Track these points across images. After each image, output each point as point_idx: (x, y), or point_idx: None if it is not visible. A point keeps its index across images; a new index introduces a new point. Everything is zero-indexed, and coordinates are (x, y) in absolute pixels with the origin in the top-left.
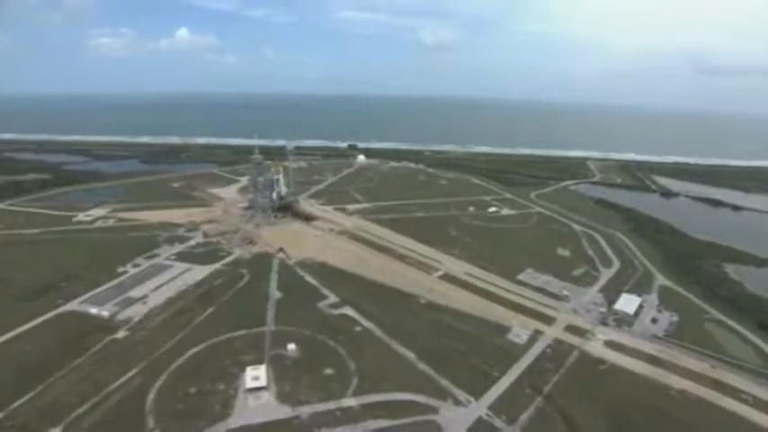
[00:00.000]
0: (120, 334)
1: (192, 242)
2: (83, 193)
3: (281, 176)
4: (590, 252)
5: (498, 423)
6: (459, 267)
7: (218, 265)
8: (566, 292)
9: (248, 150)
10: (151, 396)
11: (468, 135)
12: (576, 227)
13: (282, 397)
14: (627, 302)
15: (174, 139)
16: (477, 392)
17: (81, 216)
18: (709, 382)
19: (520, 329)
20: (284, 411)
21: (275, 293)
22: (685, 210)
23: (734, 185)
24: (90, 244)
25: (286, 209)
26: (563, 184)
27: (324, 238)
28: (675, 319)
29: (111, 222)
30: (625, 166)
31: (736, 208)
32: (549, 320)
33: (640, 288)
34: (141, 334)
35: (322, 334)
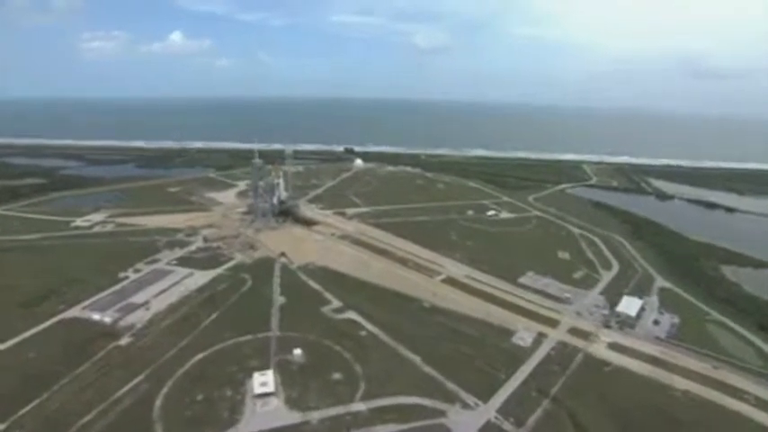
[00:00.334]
0: (124, 340)
1: (193, 247)
2: (79, 197)
3: (281, 181)
4: (589, 255)
5: (507, 426)
6: (461, 271)
7: (219, 270)
8: (567, 295)
9: (244, 155)
10: (158, 403)
11: (463, 138)
12: (575, 230)
13: (291, 402)
14: (628, 305)
15: (170, 144)
16: (485, 396)
17: (79, 221)
18: (711, 382)
19: (524, 332)
20: (294, 417)
21: (278, 298)
22: (681, 212)
23: (727, 188)
24: (89, 249)
25: (286, 213)
26: (560, 187)
27: (325, 243)
28: (676, 320)
29: (109, 227)
30: (620, 169)
31: (729, 210)
32: (552, 323)
33: (641, 290)
34: (145, 340)
35: (327, 339)
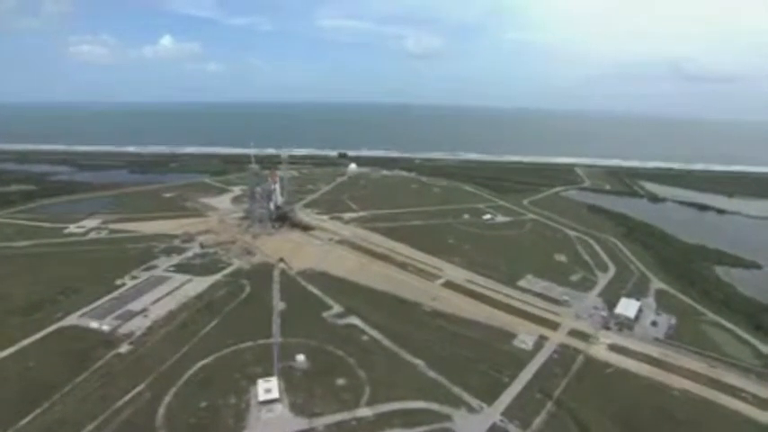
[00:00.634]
0: (124, 348)
1: (190, 253)
2: (71, 204)
3: (277, 186)
4: (586, 257)
5: (512, 429)
6: (460, 275)
7: (218, 277)
8: (566, 298)
9: (238, 159)
10: (161, 411)
11: (456, 142)
12: (570, 232)
13: (297, 409)
14: (627, 306)
15: (162, 149)
16: (489, 399)
17: (72, 228)
18: (710, 382)
19: (525, 335)
20: (300, 423)
21: (279, 304)
22: (673, 214)
23: (717, 190)
24: (85, 256)
25: (283, 219)
26: (554, 190)
27: (323, 248)
28: (674, 321)
29: (104, 234)
30: (612, 172)
31: (720, 212)
32: (553, 326)
33: (637, 292)
34: (145, 348)
35: (329, 344)
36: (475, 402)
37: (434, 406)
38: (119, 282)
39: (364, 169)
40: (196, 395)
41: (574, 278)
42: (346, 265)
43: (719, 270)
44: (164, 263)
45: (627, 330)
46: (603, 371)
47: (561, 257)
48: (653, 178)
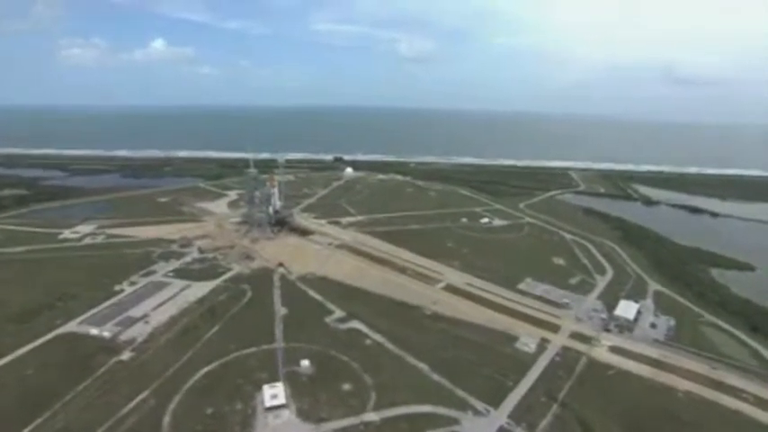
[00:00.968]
0: (126, 355)
1: (188, 258)
2: (64, 209)
3: (276, 190)
4: (584, 260)
5: None
6: (460, 278)
7: (218, 282)
8: (566, 300)
9: (233, 163)
10: (167, 419)
11: (451, 146)
12: (567, 236)
13: (303, 414)
14: (626, 308)
15: (156, 153)
16: (495, 402)
17: (67, 233)
18: (711, 383)
19: (527, 338)
20: (307, 429)
21: (281, 309)
22: (667, 217)
23: (710, 193)
24: (82, 262)
25: (281, 223)
26: (549, 194)
27: (322, 252)
28: (672, 323)
29: (100, 239)
30: (606, 176)
31: (713, 215)
32: (554, 328)
33: (636, 294)
34: (148, 354)
35: (333, 349)
36: (481, 405)
37: (441, 410)
38: (117, 287)
39: (360, 173)
40: (201, 402)
41: (573, 281)
42: (346, 269)
43: (714, 272)
44: (162, 268)
45: (627, 332)
46: (606, 373)
47: (559, 260)
48: (647, 181)
